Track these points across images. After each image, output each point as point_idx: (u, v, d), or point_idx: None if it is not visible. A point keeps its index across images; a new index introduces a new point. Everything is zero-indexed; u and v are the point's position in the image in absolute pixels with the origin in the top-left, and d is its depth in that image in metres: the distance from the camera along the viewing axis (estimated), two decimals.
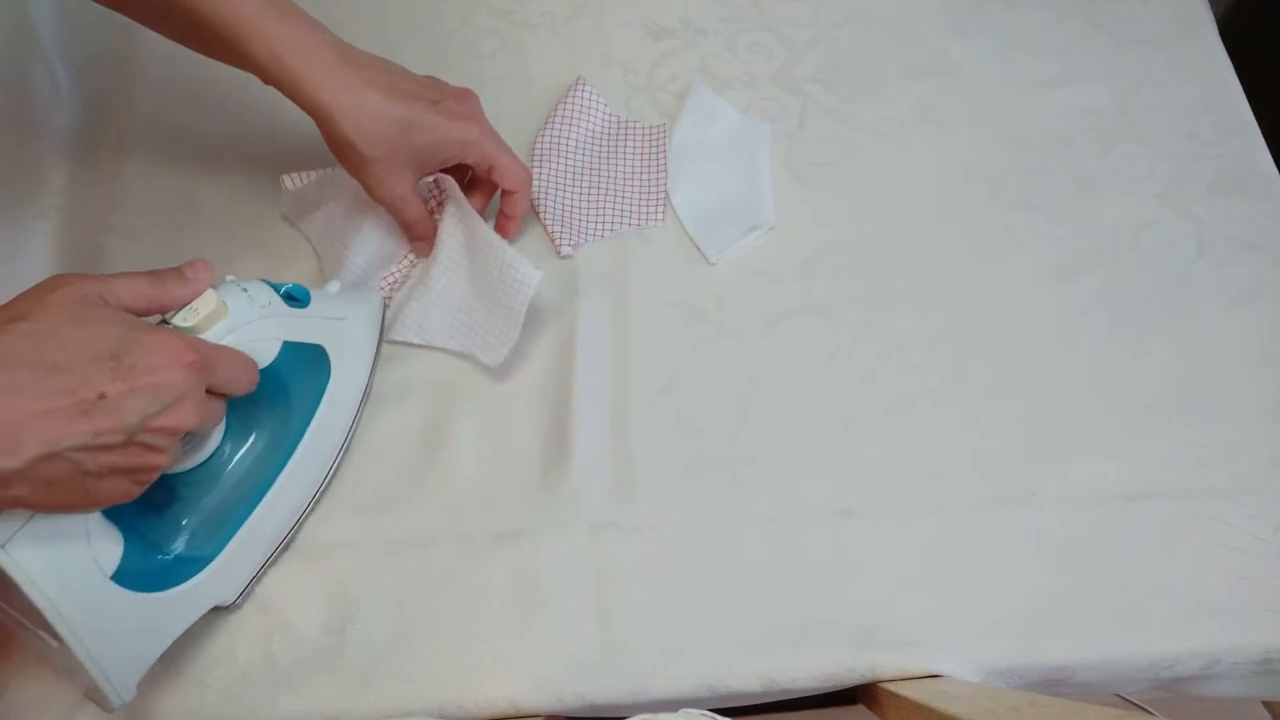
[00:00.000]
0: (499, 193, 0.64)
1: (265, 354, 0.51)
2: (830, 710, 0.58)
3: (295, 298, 0.54)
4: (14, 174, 0.65)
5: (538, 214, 0.66)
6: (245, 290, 0.50)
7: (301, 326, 0.54)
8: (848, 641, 0.54)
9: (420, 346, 0.63)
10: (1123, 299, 0.64)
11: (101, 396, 0.41)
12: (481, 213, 0.64)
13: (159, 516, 0.51)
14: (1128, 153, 0.69)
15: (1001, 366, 0.62)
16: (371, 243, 0.63)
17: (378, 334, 0.61)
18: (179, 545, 0.51)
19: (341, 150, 0.56)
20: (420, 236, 0.63)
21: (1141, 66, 0.72)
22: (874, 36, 0.73)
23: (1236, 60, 0.72)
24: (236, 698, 0.53)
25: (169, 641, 0.50)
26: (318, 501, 0.58)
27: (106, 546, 0.46)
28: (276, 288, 0.53)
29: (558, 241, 0.65)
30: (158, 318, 0.47)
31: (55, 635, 0.44)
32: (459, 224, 0.62)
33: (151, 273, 0.46)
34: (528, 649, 0.54)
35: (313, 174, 0.65)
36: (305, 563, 0.57)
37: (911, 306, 0.64)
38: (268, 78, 0.54)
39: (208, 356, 0.45)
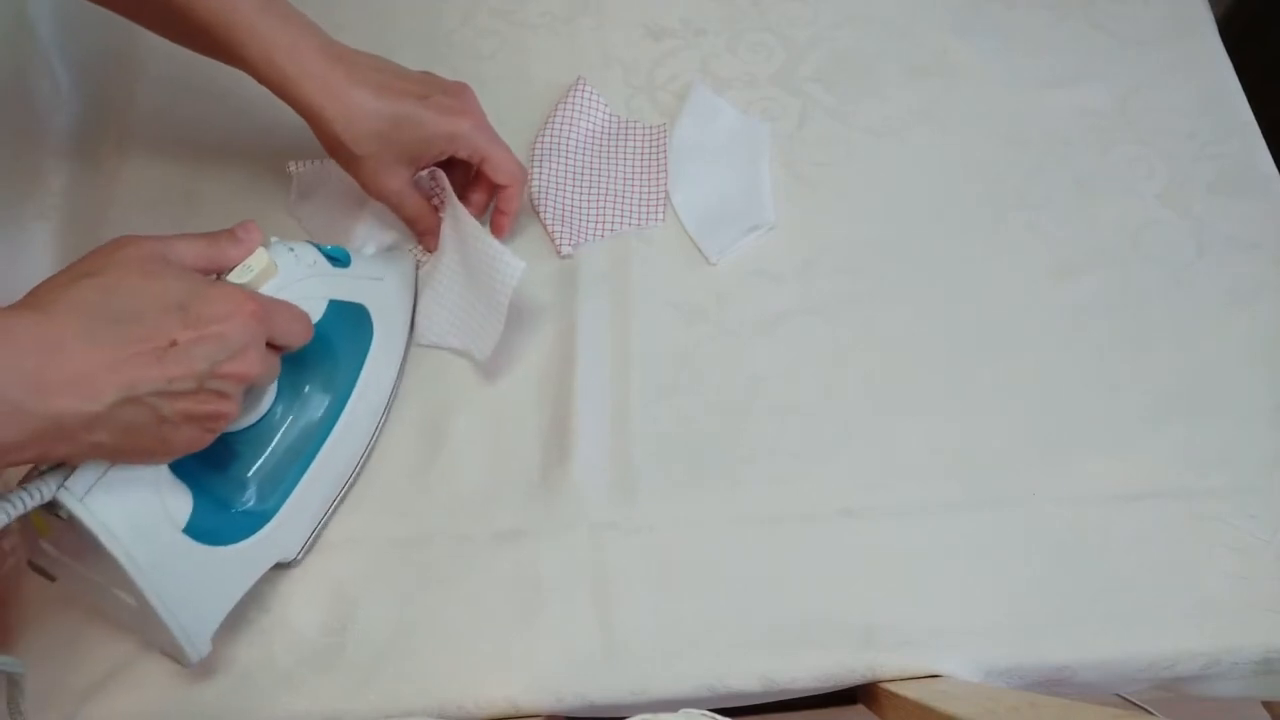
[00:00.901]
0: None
1: (313, 312, 0.52)
2: (830, 710, 0.58)
3: (336, 258, 0.55)
4: (14, 173, 0.65)
5: (538, 213, 0.66)
6: (292, 250, 0.52)
7: (345, 285, 0.55)
8: (848, 641, 0.54)
9: (423, 346, 0.63)
10: (1122, 299, 0.64)
11: (173, 344, 0.42)
12: (484, 208, 0.64)
13: (222, 474, 0.52)
14: (1128, 153, 0.69)
15: (1001, 366, 0.62)
16: (369, 237, 0.64)
17: (412, 294, 0.62)
18: (242, 501, 0.53)
19: (334, 149, 0.57)
20: (425, 230, 0.63)
21: (1141, 66, 0.72)
22: (874, 37, 0.73)
23: (1236, 60, 0.72)
24: (237, 697, 0.53)
25: (237, 597, 0.52)
26: (368, 458, 0.59)
27: (177, 501, 0.48)
28: (320, 248, 0.54)
29: (558, 241, 0.65)
30: (214, 276, 0.48)
31: (132, 590, 0.46)
32: (451, 221, 0.62)
33: (207, 234, 0.48)
34: (528, 649, 0.54)
35: (318, 162, 0.65)
36: (305, 562, 0.56)
37: (911, 306, 0.64)
38: (260, 78, 0.55)
39: (267, 308, 0.47)
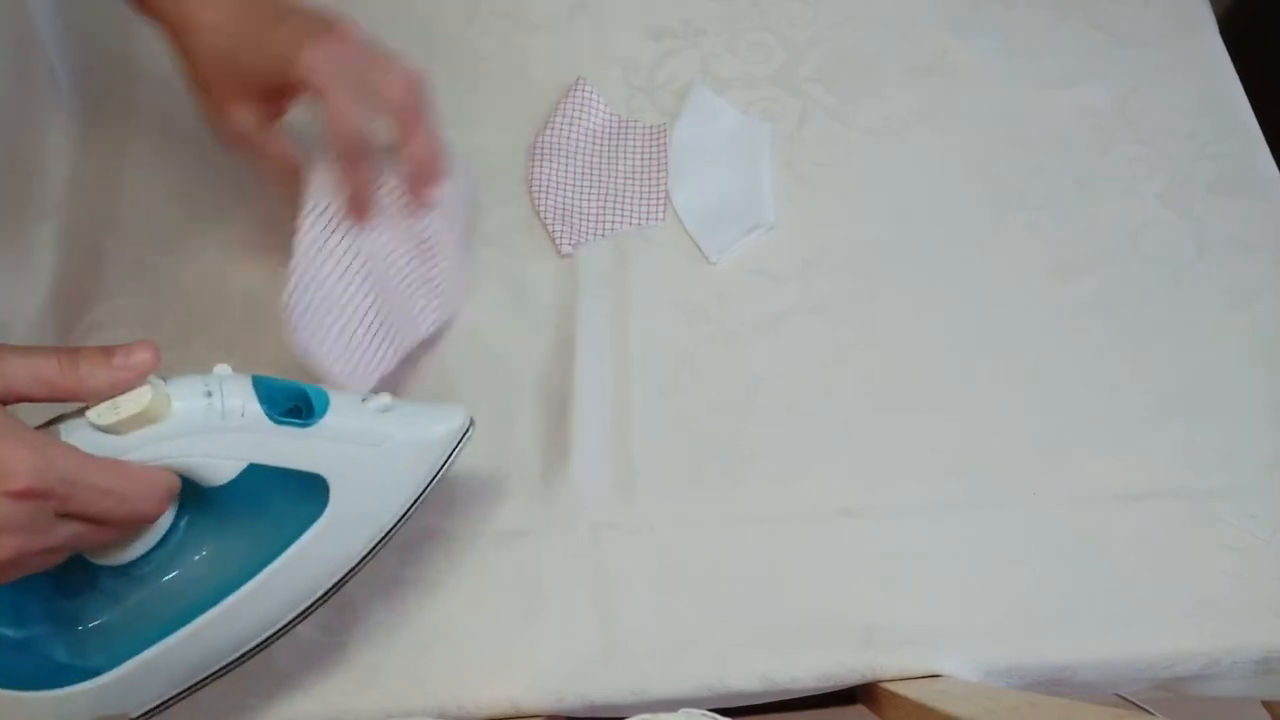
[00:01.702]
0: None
1: (218, 473, 0.42)
2: (830, 710, 0.58)
3: (300, 411, 0.44)
4: (14, 174, 0.65)
5: (538, 213, 0.66)
6: (209, 392, 0.41)
7: (288, 449, 0.43)
8: (848, 641, 0.54)
9: (420, 342, 0.62)
10: (1122, 299, 0.64)
11: None
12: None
13: (47, 608, 0.43)
14: (1128, 153, 0.69)
15: (1001, 366, 0.62)
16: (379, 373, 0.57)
17: (434, 466, 0.49)
18: (69, 644, 0.43)
19: (191, 82, 0.52)
20: (285, 180, 0.53)
21: (1141, 66, 0.72)
22: (874, 37, 0.73)
23: (1236, 60, 0.72)
24: (235, 697, 0.53)
25: None
26: (277, 638, 0.48)
27: None
28: (282, 393, 0.43)
29: (558, 240, 0.65)
30: (77, 406, 0.39)
31: None
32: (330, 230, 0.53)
33: (66, 352, 0.38)
34: (528, 649, 0.54)
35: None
36: None
37: (911, 306, 0.64)
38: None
39: (66, 480, 0.36)
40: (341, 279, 0.53)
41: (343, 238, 0.53)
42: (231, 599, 0.44)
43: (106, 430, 0.38)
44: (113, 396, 0.38)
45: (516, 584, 0.56)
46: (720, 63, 0.72)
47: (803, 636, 0.54)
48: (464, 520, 0.57)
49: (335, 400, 0.44)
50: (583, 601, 0.55)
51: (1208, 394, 0.61)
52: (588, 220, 0.66)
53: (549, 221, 0.66)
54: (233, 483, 0.42)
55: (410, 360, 0.62)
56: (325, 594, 0.47)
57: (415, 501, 0.49)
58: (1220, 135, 0.69)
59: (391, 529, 0.48)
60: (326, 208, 0.52)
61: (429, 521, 0.57)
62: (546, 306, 0.63)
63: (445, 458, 0.49)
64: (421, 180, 0.55)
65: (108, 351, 0.38)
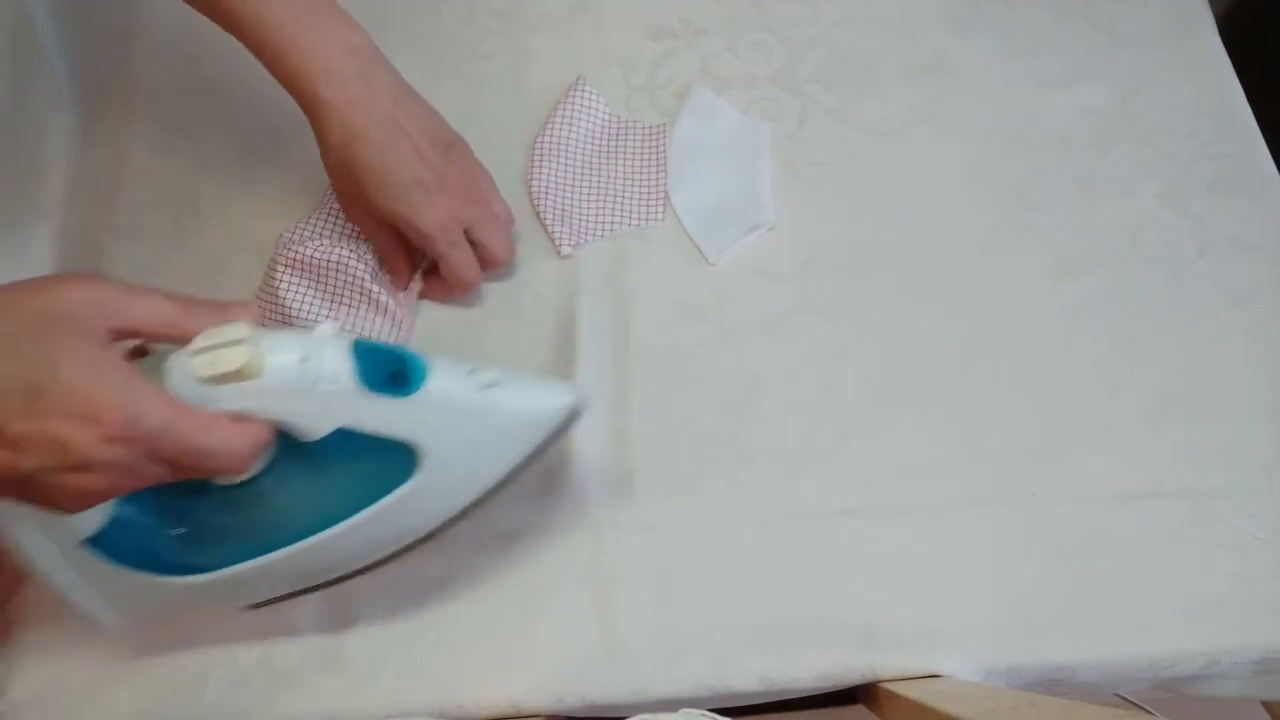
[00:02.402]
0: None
1: (306, 431, 0.43)
2: (830, 710, 0.58)
3: (400, 379, 0.44)
4: (14, 173, 0.65)
5: (538, 214, 0.66)
6: (305, 358, 0.42)
7: (379, 415, 0.44)
8: (848, 641, 0.54)
9: (421, 343, 0.62)
10: (1122, 299, 0.64)
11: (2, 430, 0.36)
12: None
13: (173, 502, 0.46)
14: (1127, 153, 0.69)
15: (1001, 366, 0.62)
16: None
17: (541, 441, 0.48)
18: (174, 542, 0.47)
19: (322, 151, 0.56)
20: (392, 270, 0.62)
21: (1141, 67, 0.72)
22: (874, 37, 0.73)
23: (1236, 60, 0.72)
24: (236, 698, 0.53)
25: (152, 611, 0.49)
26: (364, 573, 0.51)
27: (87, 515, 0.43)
28: (383, 359, 0.44)
29: (558, 241, 0.65)
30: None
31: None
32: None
33: (184, 298, 0.41)
34: (528, 649, 0.54)
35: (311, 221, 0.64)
36: None
37: (911, 306, 0.64)
38: (272, 69, 0.54)
39: (154, 429, 0.39)
40: None
41: None
42: (312, 540, 0.46)
43: (205, 381, 0.40)
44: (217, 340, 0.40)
45: (516, 584, 0.56)
46: (720, 63, 0.72)
47: (802, 636, 0.54)
48: (464, 520, 0.57)
49: (437, 369, 0.45)
50: (583, 602, 0.55)
51: (1207, 394, 0.61)
52: (587, 221, 0.66)
53: (548, 222, 0.66)
54: (324, 440, 0.43)
55: None
56: (408, 545, 0.49)
57: (515, 471, 0.49)
58: (1220, 135, 0.69)
59: (484, 496, 0.49)
60: None
61: None
62: (546, 307, 0.63)
63: (548, 435, 0.48)
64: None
65: (224, 307, 0.41)
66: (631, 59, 0.72)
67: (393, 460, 0.46)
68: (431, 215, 0.57)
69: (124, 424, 0.38)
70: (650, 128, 0.69)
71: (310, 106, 0.55)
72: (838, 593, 0.55)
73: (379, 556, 0.50)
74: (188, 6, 0.56)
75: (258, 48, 0.54)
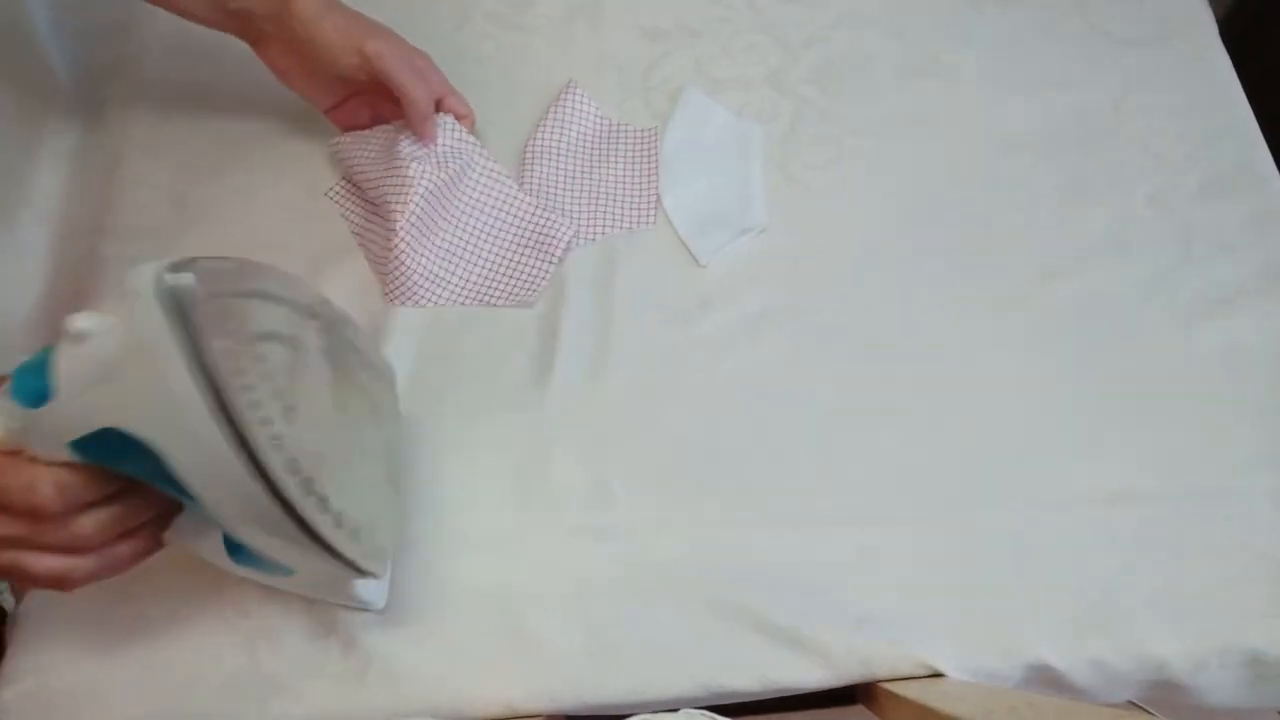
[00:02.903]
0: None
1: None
2: (830, 710, 0.58)
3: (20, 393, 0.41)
4: (11, 177, 0.65)
5: None
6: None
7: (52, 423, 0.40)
8: (840, 642, 0.53)
9: (396, 346, 0.62)
10: (1105, 302, 0.63)
11: None
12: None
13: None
14: (1121, 155, 0.68)
15: (987, 368, 0.61)
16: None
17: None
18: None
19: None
20: (423, 116, 0.63)
21: (1138, 69, 0.72)
22: (868, 38, 0.73)
23: (1236, 60, 0.72)
24: (229, 702, 0.53)
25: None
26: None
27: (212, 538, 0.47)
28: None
29: None
30: None
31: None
32: (478, 166, 0.62)
33: None
34: (516, 652, 0.54)
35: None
36: None
37: (899, 309, 0.63)
38: None
39: None
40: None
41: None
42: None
43: None
44: None
45: (499, 590, 0.55)
46: (714, 64, 0.72)
47: (796, 637, 0.54)
48: (444, 525, 0.57)
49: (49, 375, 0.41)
50: (567, 604, 0.55)
51: (1185, 398, 0.60)
52: (578, 223, 0.66)
53: None
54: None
55: (391, 361, 0.61)
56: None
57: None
58: (1215, 137, 0.69)
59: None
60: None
61: (409, 528, 0.57)
62: (531, 308, 0.63)
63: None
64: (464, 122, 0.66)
65: None
66: (626, 61, 0.72)
67: (124, 448, 0.41)
68: (383, 45, 0.61)
69: None
70: (642, 131, 0.69)
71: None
72: (830, 594, 0.55)
73: None
74: None
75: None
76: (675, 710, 0.50)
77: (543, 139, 0.68)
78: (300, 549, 0.44)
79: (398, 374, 0.61)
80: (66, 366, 0.40)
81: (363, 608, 0.53)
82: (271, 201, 0.67)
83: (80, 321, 0.39)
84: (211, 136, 0.69)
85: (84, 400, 0.40)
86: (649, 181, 0.68)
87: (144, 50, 0.72)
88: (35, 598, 0.55)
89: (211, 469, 0.40)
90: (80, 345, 0.39)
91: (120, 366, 0.39)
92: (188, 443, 0.40)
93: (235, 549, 0.48)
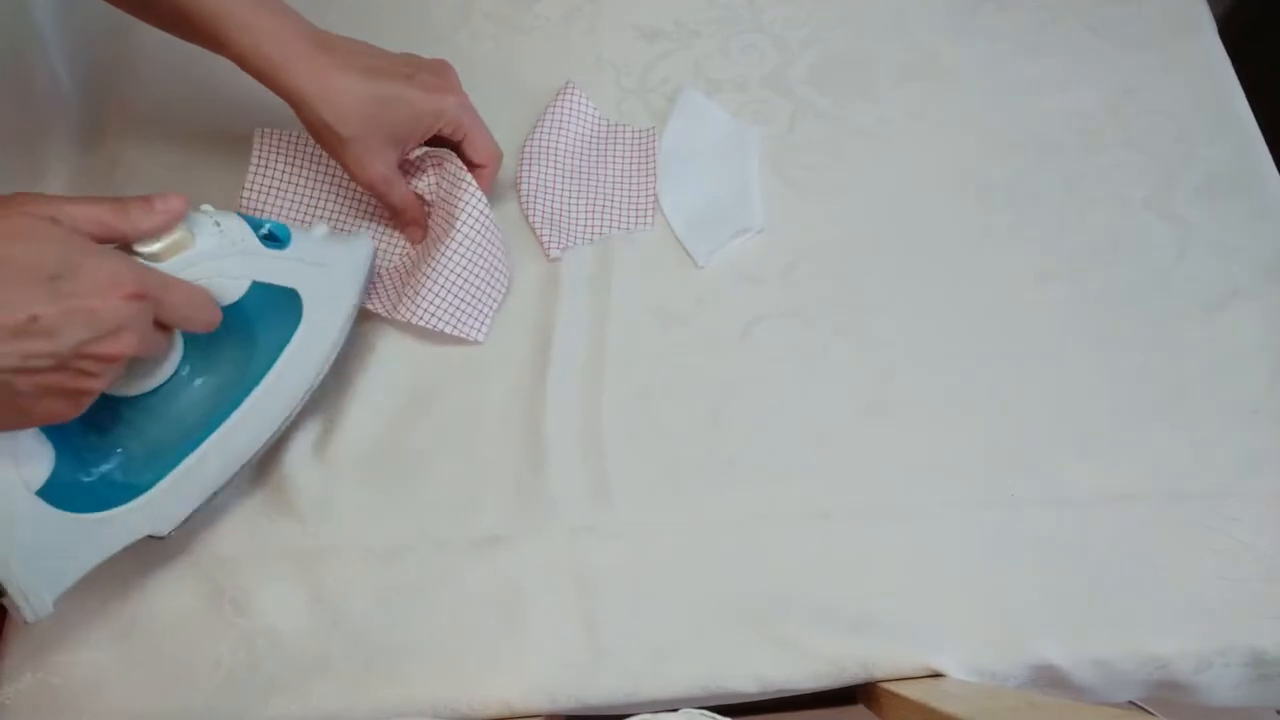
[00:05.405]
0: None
1: (231, 291, 0.50)
2: (830, 710, 0.58)
3: (275, 237, 0.52)
4: (13, 175, 0.65)
5: (526, 216, 0.66)
6: (218, 224, 0.49)
7: (276, 268, 0.52)
8: (839, 641, 0.54)
9: (395, 347, 0.62)
10: (1103, 302, 0.63)
11: (34, 319, 0.40)
12: None
13: (100, 437, 0.50)
14: (1118, 156, 0.68)
15: (985, 369, 0.61)
16: (325, 216, 0.65)
17: (362, 283, 0.59)
18: (115, 469, 0.50)
19: (320, 134, 0.57)
20: (411, 221, 0.63)
21: (1136, 69, 0.72)
22: (867, 39, 0.73)
23: (1236, 61, 0.72)
24: (226, 702, 0.53)
25: (92, 564, 0.50)
26: (272, 443, 0.56)
27: (35, 463, 0.46)
28: (256, 224, 0.51)
29: (546, 244, 0.65)
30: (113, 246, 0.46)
31: None
32: (464, 200, 0.60)
33: (115, 199, 0.45)
34: (516, 652, 0.54)
35: (290, 132, 0.65)
36: (284, 567, 0.56)
37: (897, 309, 0.63)
38: (245, 65, 0.55)
39: (156, 287, 0.44)
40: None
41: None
42: (243, 407, 0.53)
43: (151, 259, 0.46)
44: (154, 235, 0.46)
45: (499, 589, 0.55)
46: (712, 65, 0.72)
47: (793, 636, 0.54)
48: (441, 526, 0.57)
49: (294, 230, 0.53)
50: (566, 605, 0.55)
51: (1187, 397, 0.60)
52: (576, 225, 0.66)
53: (536, 226, 0.66)
54: (235, 304, 0.50)
55: (389, 362, 0.62)
56: (300, 400, 0.56)
57: (353, 313, 0.58)
58: (1213, 137, 0.69)
59: (349, 335, 0.58)
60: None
61: (406, 528, 0.57)
62: (528, 310, 0.63)
63: (367, 276, 0.59)
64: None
65: (146, 200, 0.45)
66: (624, 61, 0.72)
67: (285, 309, 0.54)
68: (448, 96, 0.59)
69: (136, 283, 0.43)
70: (639, 131, 0.69)
71: (290, 97, 0.56)
72: (822, 594, 0.55)
73: (286, 416, 0.56)
74: None
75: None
76: (675, 710, 0.50)
77: (541, 139, 0.68)
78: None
79: (395, 375, 0.61)
80: (297, 239, 0.53)
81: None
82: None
83: (319, 228, 0.56)
84: (215, 135, 0.69)
85: (289, 265, 0.52)
86: (647, 182, 0.68)
87: (148, 49, 0.72)
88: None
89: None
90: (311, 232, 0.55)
91: (330, 263, 0.55)
92: (326, 340, 0.56)
93: (72, 486, 0.48)
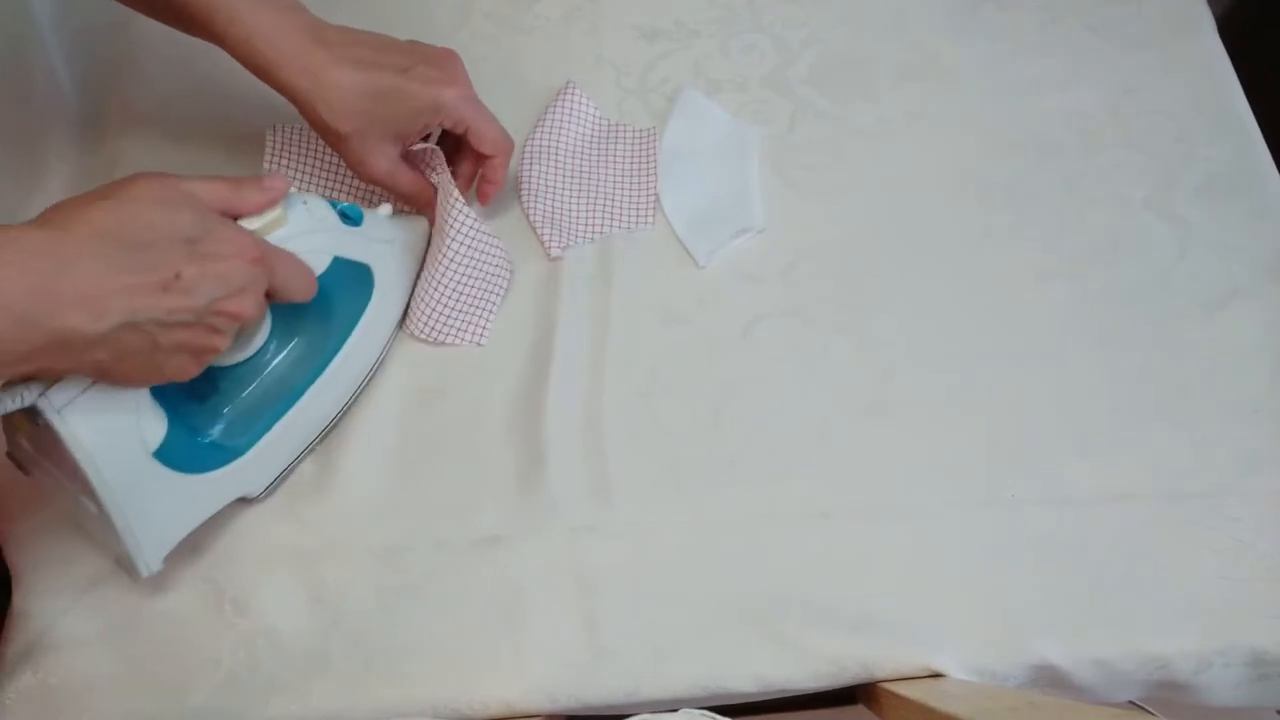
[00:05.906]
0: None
1: (316, 266, 0.53)
2: (830, 710, 0.58)
3: (350, 216, 0.56)
4: (14, 175, 0.65)
5: (526, 216, 0.66)
6: (305, 203, 0.52)
7: (353, 244, 0.56)
8: (839, 641, 0.53)
9: (395, 347, 0.62)
10: (1103, 302, 0.63)
11: (178, 277, 0.43)
12: (470, 179, 0.64)
13: (202, 404, 0.54)
14: (1118, 156, 0.68)
15: (985, 368, 0.61)
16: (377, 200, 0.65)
17: (419, 260, 0.62)
18: (217, 433, 0.54)
19: (321, 129, 0.57)
20: (425, 204, 0.62)
21: (1136, 69, 0.72)
22: (867, 39, 0.73)
23: (1236, 60, 0.72)
24: (227, 701, 0.53)
25: (196, 523, 0.53)
26: (345, 413, 0.60)
27: (152, 425, 0.49)
28: (333, 204, 0.55)
29: (547, 243, 0.65)
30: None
31: (96, 501, 0.47)
32: (445, 209, 0.60)
33: (230, 179, 0.49)
34: (516, 652, 0.54)
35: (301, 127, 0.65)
36: (284, 567, 0.56)
37: (897, 309, 0.63)
38: (242, 61, 0.55)
39: (271, 256, 0.48)
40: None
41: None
42: (324, 376, 0.57)
43: (256, 233, 0.49)
44: (260, 212, 0.50)
45: (499, 589, 0.55)
46: (712, 64, 0.72)
47: (793, 636, 0.54)
48: (442, 526, 0.57)
49: (365, 211, 0.57)
50: (566, 605, 0.55)
51: (1187, 396, 0.60)
52: (577, 224, 0.66)
53: (537, 225, 0.66)
54: (319, 277, 0.53)
55: (390, 362, 0.62)
56: (372, 369, 0.61)
57: (412, 290, 0.62)
58: (1212, 137, 0.69)
59: (404, 312, 0.62)
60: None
61: (407, 528, 0.57)
62: (529, 309, 0.63)
63: (425, 250, 0.63)
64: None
65: (259, 179, 0.50)
66: (624, 61, 0.72)
67: (360, 283, 0.58)
68: (447, 88, 0.58)
69: (258, 249, 0.47)
70: (640, 131, 0.69)
71: (288, 94, 0.56)
72: (822, 594, 0.55)
73: (360, 384, 0.60)
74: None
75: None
76: (675, 710, 0.50)
77: (541, 139, 0.68)
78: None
79: (396, 375, 0.61)
80: (368, 217, 0.57)
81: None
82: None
83: (385, 207, 0.60)
84: (216, 134, 0.69)
85: (363, 241, 0.56)
86: (647, 182, 0.68)
87: (148, 49, 0.71)
88: (35, 597, 0.55)
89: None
90: (378, 211, 0.59)
91: (395, 239, 0.60)
92: (394, 312, 0.61)
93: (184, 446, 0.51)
